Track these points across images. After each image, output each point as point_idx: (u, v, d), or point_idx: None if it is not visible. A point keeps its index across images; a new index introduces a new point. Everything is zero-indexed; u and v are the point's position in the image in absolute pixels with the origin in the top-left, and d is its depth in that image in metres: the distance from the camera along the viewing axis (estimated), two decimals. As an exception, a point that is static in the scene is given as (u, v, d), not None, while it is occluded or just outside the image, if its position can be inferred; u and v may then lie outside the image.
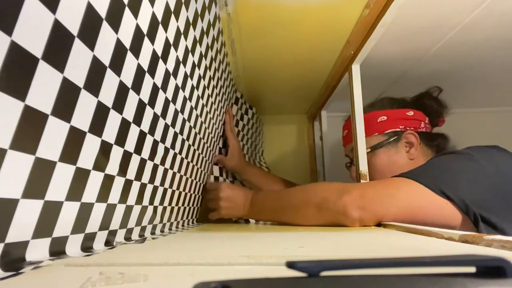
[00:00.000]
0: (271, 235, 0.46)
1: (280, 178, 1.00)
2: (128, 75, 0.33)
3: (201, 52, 0.56)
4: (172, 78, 0.45)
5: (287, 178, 1.02)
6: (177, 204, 0.60)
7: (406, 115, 0.80)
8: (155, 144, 0.44)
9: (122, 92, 0.33)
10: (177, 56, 0.45)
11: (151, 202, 0.47)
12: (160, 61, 0.40)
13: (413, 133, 0.78)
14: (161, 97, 0.43)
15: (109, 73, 0.30)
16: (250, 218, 0.80)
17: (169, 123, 0.48)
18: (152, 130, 0.42)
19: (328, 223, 0.60)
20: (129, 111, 0.35)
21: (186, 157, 0.59)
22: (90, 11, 0.26)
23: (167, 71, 0.43)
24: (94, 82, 0.28)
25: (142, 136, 0.40)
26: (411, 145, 0.78)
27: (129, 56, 0.33)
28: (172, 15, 0.41)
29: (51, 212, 0.26)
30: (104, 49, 0.28)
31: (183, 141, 0.55)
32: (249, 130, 1.08)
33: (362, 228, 0.54)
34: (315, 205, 0.61)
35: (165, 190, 0.51)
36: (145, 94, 0.38)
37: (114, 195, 0.36)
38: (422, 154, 0.78)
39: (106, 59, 0.29)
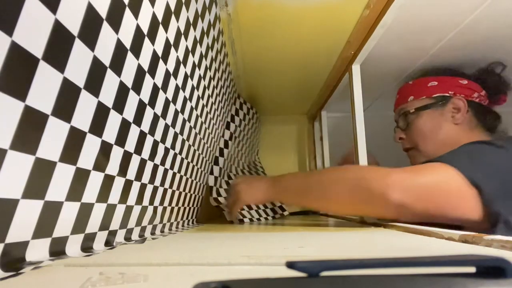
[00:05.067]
0: (271, 235, 0.46)
1: None
2: (128, 76, 0.33)
3: (201, 53, 0.56)
4: (172, 78, 0.45)
5: None
6: (177, 204, 0.60)
7: (458, 82, 0.76)
8: (155, 144, 0.44)
9: (122, 93, 0.33)
10: (177, 56, 0.45)
11: (151, 202, 0.47)
12: (161, 61, 0.40)
13: (462, 99, 0.74)
14: (161, 97, 0.43)
15: (110, 74, 0.30)
16: (273, 199, 0.78)
17: (169, 124, 0.48)
18: (152, 131, 0.42)
19: (358, 207, 0.55)
20: (130, 111, 0.35)
21: (186, 157, 0.59)
22: (91, 11, 0.26)
23: (167, 71, 0.43)
24: (94, 82, 0.28)
25: (142, 136, 0.40)
26: (458, 111, 0.74)
27: (130, 56, 0.33)
28: (173, 15, 0.41)
29: (51, 212, 0.26)
30: (105, 49, 0.28)
31: (183, 141, 0.55)
32: (249, 130, 1.09)
33: (362, 228, 0.54)
34: (350, 183, 0.55)
35: (165, 191, 0.51)
36: (145, 95, 0.38)
37: (114, 195, 0.36)
38: (468, 122, 0.74)
39: (106, 59, 0.29)
